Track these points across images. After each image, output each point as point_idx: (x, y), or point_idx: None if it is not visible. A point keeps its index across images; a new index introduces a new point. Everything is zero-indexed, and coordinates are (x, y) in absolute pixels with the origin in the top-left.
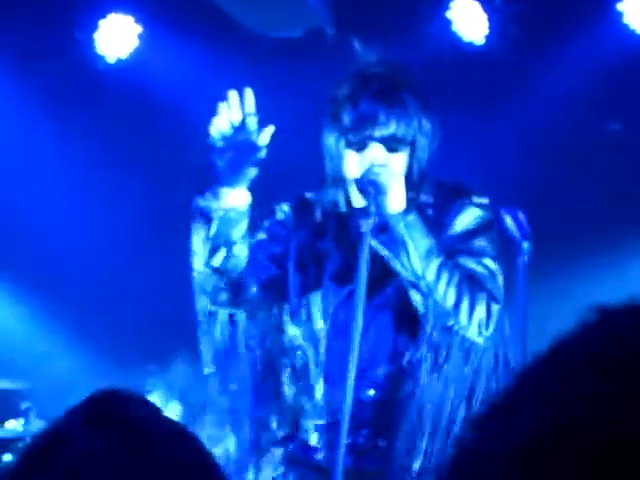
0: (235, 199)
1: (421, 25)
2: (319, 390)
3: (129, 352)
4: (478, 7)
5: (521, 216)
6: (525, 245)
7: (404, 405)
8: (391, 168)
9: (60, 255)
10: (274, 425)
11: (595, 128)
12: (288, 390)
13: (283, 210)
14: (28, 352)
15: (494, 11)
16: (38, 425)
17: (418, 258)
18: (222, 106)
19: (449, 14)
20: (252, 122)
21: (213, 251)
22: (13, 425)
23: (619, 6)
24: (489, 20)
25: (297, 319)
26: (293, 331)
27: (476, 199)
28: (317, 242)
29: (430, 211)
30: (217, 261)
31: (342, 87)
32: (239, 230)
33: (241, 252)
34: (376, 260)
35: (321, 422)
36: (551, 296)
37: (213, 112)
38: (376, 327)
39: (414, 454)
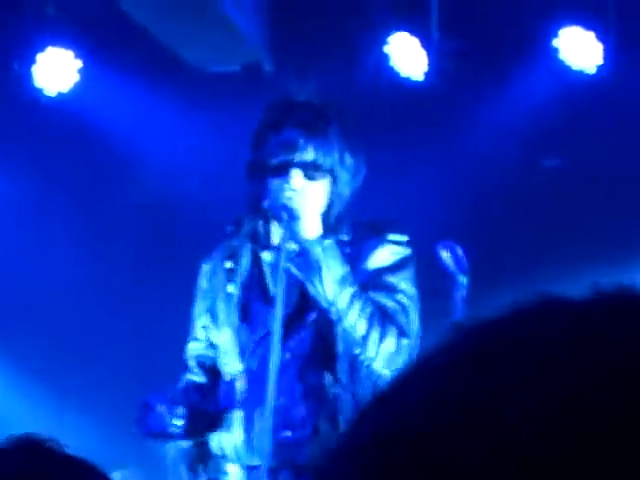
0: None
1: (358, 59)
2: (239, 433)
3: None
4: (417, 43)
5: (459, 250)
6: (462, 279)
7: (324, 443)
8: (306, 195)
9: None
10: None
11: (533, 164)
12: (212, 435)
13: (201, 279)
14: None
15: (432, 47)
16: None
17: (332, 284)
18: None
19: (387, 49)
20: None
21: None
22: None
23: (554, 42)
24: (428, 56)
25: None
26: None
27: (392, 236)
28: (229, 285)
29: (347, 249)
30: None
31: (267, 115)
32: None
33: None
34: (291, 297)
35: (242, 465)
36: None
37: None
38: (293, 366)
39: None
